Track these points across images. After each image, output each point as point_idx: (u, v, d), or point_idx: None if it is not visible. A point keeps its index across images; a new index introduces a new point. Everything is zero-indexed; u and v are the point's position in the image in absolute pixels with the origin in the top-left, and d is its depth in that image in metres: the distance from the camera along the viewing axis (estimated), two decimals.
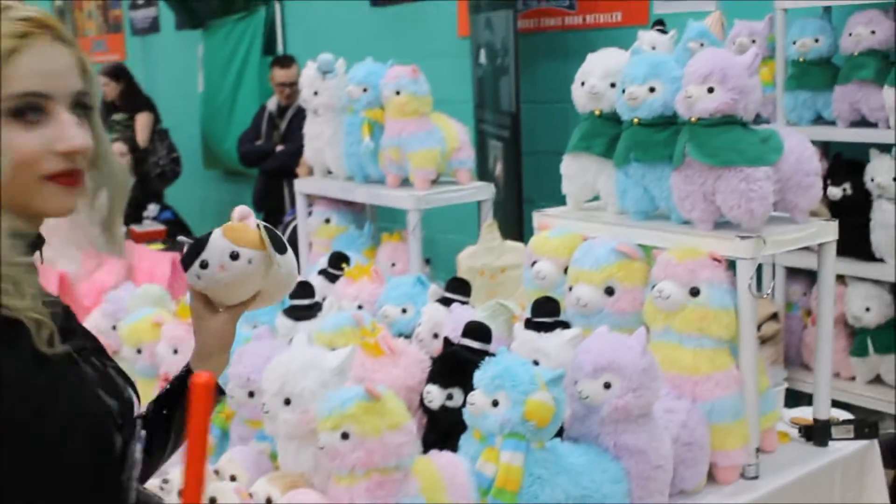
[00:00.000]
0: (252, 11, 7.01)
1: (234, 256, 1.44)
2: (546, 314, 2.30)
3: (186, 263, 1.48)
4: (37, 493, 1.19)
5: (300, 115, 5.92)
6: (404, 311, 2.68)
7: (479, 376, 2.02)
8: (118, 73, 7.13)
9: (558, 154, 4.55)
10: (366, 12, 6.13)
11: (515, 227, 4.25)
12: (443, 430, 2.14)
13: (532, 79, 4.87)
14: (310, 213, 3.73)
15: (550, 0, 4.97)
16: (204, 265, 1.45)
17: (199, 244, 1.48)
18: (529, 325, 2.29)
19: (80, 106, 1.26)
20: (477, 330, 2.20)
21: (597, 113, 2.62)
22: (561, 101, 4.95)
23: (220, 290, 1.47)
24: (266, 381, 2.01)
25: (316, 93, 3.42)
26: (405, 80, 3.21)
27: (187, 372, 1.53)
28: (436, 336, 2.49)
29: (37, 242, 1.30)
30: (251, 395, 2.20)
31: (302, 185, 3.69)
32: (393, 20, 5.97)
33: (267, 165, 6.06)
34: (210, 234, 1.48)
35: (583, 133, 2.66)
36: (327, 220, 3.61)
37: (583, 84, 2.64)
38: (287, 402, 1.98)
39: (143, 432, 1.43)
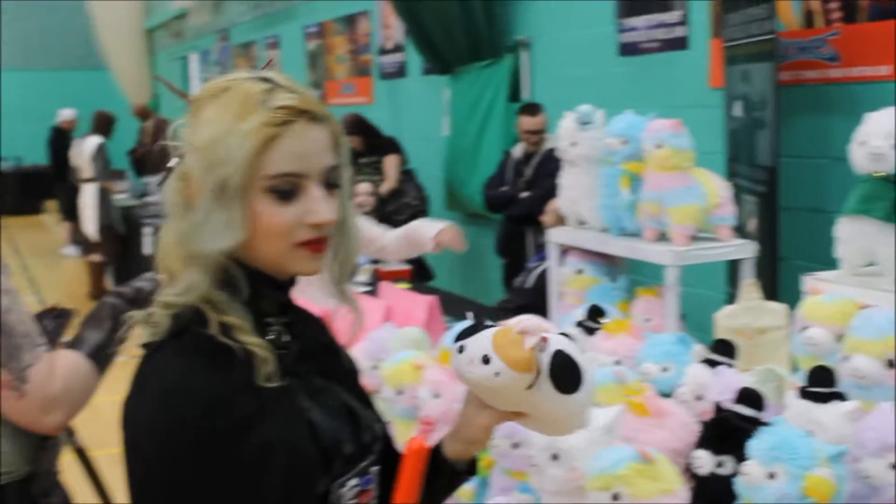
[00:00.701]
0: (499, 59, 7.13)
1: (485, 360, 1.36)
2: (822, 384, 2.19)
3: (457, 339, 1.45)
4: None
5: (546, 162, 5.97)
6: (665, 369, 2.63)
7: (754, 446, 1.94)
8: (355, 128, 7.34)
9: (815, 211, 4.37)
10: (613, 61, 6.12)
11: (769, 285, 4.10)
12: (710, 499, 2.07)
13: (789, 133, 4.72)
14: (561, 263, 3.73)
15: (812, 52, 4.80)
16: (460, 350, 1.41)
17: (474, 328, 1.44)
18: (804, 394, 2.19)
19: (333, 180, 1.38)
20: (751, 396, 2.13)
21: (878, 175, 2.49)
22: (819, 156, 4.79)
23: (469, 383, 1.43)
24: (534, 435, 2.01)
25: (574, 143, 3.43)
26: (667, 133, 3.17)
27: (437, 449, 1.54)
28: (699, 398, 2.43)
29: (289, 285, 1.45)
30: (515, 446, 2.20)
31: (555, 235, 3.70)
32: (641, 69, 5.93)
33: (512, 211, 6.12)
34: (490, 326, 1.44)
35: (862, 195, 2.55)
36: (580, 271, 3.60)
37: (863, 144, 2.53)
38: (555, 457, 1.97)
39: (375, 468, 1.48)
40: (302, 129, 1.33)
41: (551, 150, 5.75)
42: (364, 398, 1.54)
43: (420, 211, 7.16)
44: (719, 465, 2.08)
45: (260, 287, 1.38)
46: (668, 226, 3.22)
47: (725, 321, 3.14)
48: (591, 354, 2.64)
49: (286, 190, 1.33)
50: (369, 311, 3.34)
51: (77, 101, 15.04)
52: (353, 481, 1.42)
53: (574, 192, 3.51)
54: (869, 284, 2.52)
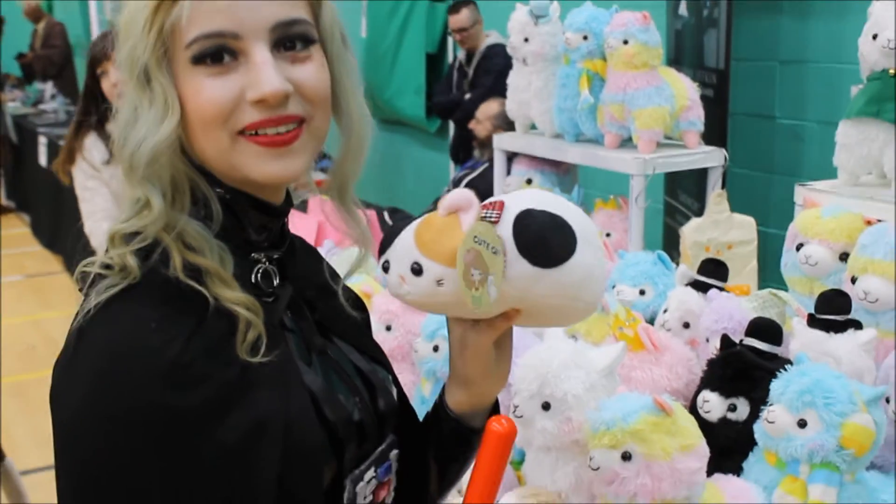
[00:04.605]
0: None
1: (416, 271, 1.02)
2: (835, 311, 1.91)
3: (379, 256, 1.10)
4: None
5: (484, 61, 5.62)
6: (642, 292, 2.33)
7: (780, 388, 1.65)
8: None
9: (760, 117, 4.11)
10: None
11: None
12: (720, 447, 1.78)
13: (736, 33, 4.43)
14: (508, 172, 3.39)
15: None
16: (385, 268, 1.06)
17: (390, 236, 1.07)
18: (814, 322, 1.91)
19: (297, 39, 0.99)
20: (766, 328, 1.83)
21: (891, 73, 2.20)
22: (767, 58, 4.53)
23: (414, 307, 1.09)
24: (520, 381, 1.68)
25: (526, 39, 3.06)
26: (635, 27, 2.82)
27: (440, 403, 1.20)
28: (686, 326, 2.14)
29: (282, 210, 1.06)
30: None
31: (502, 141, 3.35)
32: None
33: (456, 116, 5.80)
34: (408, 224, 1.07)
35: (870, 96, 2.25)
36: (529, 181, 3.27)
37: (874, 38, 2.22)
38: (546, 406, 1.65)
39: (394, 452, 1.14)
40: None
41: (490, 47, 5.43)
42: (374, 353, 1.19)
43: None
44: (731, 408, 1.80)
45: (243, 211, 1.02)
46: (632, 131, 2.89)
47: (692, 235, 2.88)
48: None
49: (212, 55, 0.96)
50: (301, 229, 2.98)
51: None
52: (371, 472, 1.08)
53: (525, 94, 3.15)
54: (874, 196, 2.25)
